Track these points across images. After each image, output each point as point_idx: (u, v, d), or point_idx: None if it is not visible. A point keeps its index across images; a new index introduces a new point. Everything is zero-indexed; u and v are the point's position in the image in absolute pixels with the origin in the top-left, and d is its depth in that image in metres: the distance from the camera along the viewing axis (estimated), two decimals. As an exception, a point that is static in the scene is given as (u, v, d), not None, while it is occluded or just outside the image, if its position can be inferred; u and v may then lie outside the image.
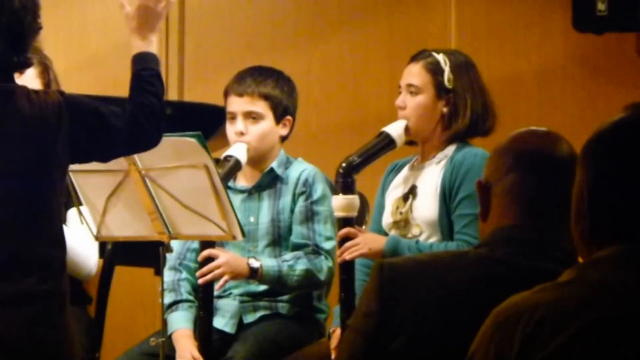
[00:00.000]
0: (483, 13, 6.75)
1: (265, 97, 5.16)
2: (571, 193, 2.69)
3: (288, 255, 5.10)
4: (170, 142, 4.59)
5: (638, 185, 2.16)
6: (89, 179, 4.69)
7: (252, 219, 5.16)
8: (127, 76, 6.48)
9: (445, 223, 4.76)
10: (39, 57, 5.23)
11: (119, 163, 4.58)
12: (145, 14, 4.17)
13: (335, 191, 4.75)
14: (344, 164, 4.71)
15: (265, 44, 6.64)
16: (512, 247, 2.81)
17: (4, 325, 3.82)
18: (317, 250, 5.12)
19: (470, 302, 2.72)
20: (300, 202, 5.17)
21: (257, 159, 5.18)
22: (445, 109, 4.86)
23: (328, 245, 5.10)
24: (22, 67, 3.98)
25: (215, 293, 5.03)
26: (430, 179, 4.85)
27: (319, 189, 5.17)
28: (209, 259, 4.91)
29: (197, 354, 4.92)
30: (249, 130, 5.14)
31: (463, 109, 4.85)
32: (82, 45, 6.54)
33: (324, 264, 5.11)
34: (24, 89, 3.93)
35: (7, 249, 3.84)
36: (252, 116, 5.16)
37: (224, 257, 4.93)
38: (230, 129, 5.18)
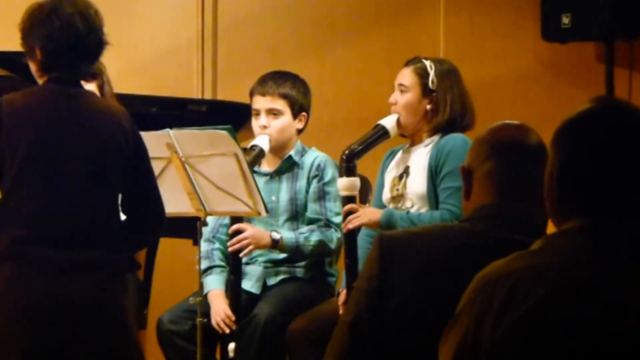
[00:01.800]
0: (466, 25, 6.72)
1: (284, 97, 5.17)
2: (540, 175, 2.70)
3: (304, 229, 5.11)
4: (205, 134, 4.60)
5: (599, 165, 2.14)
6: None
7: (273, 198, 5.16)
8: (172, 80, 6.48)
9: (432, 196, 4.78)
10: None
11: (163, 151, 4.59)
12: None
13: (340, 174, 4.76)
14: (346, 152, 4.73)
15: (286, 52, 6.62)
16: (489, 222, 2.81)
17: (79, 287, 3.84)
18: (328, 224, 5.13)
19: (454, 268, 2.71)
20: (314, 184, 5.18)
21: (278, 148, 5.19)
22: (428, 106, 4.87)
23: (337, 219, 5.10)
24: (92, 77, 3.97)
25: (243, 260, 5.03)
26: (420, 160, 4.86)
27: (330, 173, 5.17)
28: (238, 232, 4.93)
29: (228, 311, 4.92)
30: (270, 124, 5.15)
31: (443, 106, 4.86)
32: (132, 51, 6.53)
33: (334, 235, 5.12)
34: (93, 94, 3.95)
35: (81, 225, 3.86)
36: (273, 112, 5.18)
37: (250, 230, 4.95)
38: (255, 123, 5.19)
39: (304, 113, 5.24)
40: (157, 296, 5.52)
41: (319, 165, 5.20)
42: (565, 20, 6.42)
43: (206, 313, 4.87)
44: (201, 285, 4.96)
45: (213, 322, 4.91)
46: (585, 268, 2.07)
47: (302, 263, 5.19)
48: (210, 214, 4.77)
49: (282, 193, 5.19)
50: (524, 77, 6.74)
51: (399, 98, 4.91)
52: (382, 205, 4.96)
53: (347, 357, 2.81)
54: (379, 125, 4.85)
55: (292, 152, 5.22)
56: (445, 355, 2.14)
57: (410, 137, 4.98)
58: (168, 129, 4.62)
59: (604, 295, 2.04)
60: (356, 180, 4.73)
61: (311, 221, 5.15)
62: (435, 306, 2.65)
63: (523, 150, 2.86)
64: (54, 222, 3.80)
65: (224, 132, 4.58)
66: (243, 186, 4.59)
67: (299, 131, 5.26)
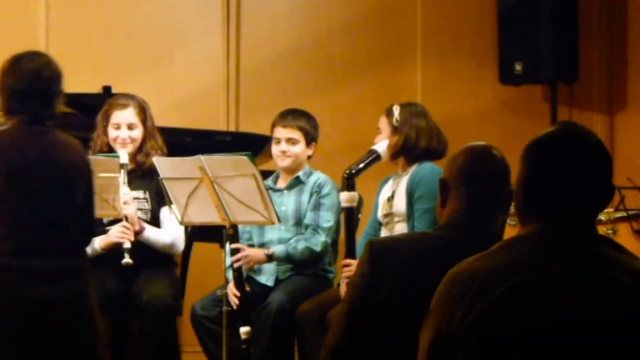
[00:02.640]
0: (438, 72, 6.72)
1: (300, 129, 5.19)
2: (501, 193, 2.74)
3: (292, 239, 5.13)
4: (230, 159, 4.61)
5: (554, 178, 2.12)
6: (176, 184, 4.68)
7: (283, 208, 5.16)
8: (203, 115, 6.47)
9: (410, 214, 4.80)
10: (138, 101, 5.20)
11: (196, 173, 4.58)
12: None
13: (341, 189, 4.75)
14: (347, 171, 4.71)
15: (294, 92, 6.62)
16: (458, 230, 2.84)
17: (57, 293, 3.80)
18: (316, 229, 5.12)
19: (430, 266, 2.69)
20: (314, 197, 5.19)
21: (292, 169, 5.21)
22: (398, 140, 4.88)
23: (327, 225, 5.10)
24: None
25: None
26: (402, 186, 4.88)
27: (327, 189, 5.18)
28: (237, 250, 4.90)
29: (234, 289, 4.86)
30: (289, 150, 5.16)
31: (408, 140, 4.88)
32: (170, 92, 6.53)
33: (319, 239, 5.11)
34: (57, 131, 3.96)
35: (56, 238, 3.84)
36: (292, 141, 5.19)
37: (246, 251, 4.94)
38: (276, 149, 5.20)
39: (314, 143, 5.26)
40: (191, 289, 5.51)
41: (319, 184, 5.21)
42: (518, 67, 6.43)
43: (229, 302, 4.86)
44: (226, 279, 4.95)
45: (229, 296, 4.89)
46: (538, 266, 2.06)
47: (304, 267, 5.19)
48: (234, 223, 4.76)
49: (290, 204, 5.19)
50: (485, 114, 6.74)
51: (377, 139, 4.93)
52: (377, 221, 5.03)
53: (344, 337, 2.82)
54: (372, 150, 4.84)
55: (300, 174, 5.22)
56: (424, 341, 2.13)
57: (395, 163, 4.99)
58: (200, 155, 4.62)
59: (553, 288, 2.02)
60: (355, 194, 4.72)
61: (307, 226, 5.17)
62: (415, 297, 2.64)
63: (490, 177, 2.89)
64: (33, 235, 3.80)
65: (245, 157, 4.58)
66: (260, 201, 4.59)
67: (309, 157, 5.27)
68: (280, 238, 5.16)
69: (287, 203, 5.21)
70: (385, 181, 5.09)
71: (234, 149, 5.02)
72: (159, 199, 5.09)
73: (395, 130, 4.90)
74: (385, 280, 2.78)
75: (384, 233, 4.96)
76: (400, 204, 4.86)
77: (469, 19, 6.76)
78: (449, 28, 6.76)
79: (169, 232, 5.11)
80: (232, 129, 6.51)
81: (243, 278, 4.93)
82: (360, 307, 2.79)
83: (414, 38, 6.71)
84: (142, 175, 5.15)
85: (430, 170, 4.81)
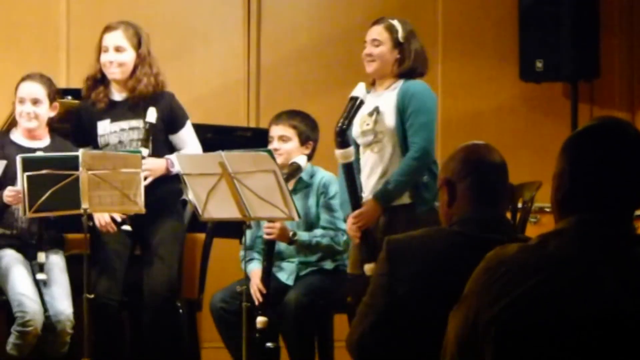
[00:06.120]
0: (459, 69, 6.72)
1: (293, 127, 5.20)
2: (504, 185, 2.76)
3: (318, 232, 5.15)
4: (250, 155, 4.62)
5: (596, 172, 2.10)
6: (196, 180, 4.70)
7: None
8: (224, 112, 6.50)
9: (400, 130, 4.74)
10: (129, 24, 5.12)
11: (216, 169, 4.60)
12: None
13: (336, 147, 4.69)
14: (337, 129, 4.66)
15: (313, 88, 6.64)
16: (472, 226, 2.86)
17: None
18: (337, 230, 5.14)
19: (446, 262, 2.77)
20: (322, 199, 5.20)
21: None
22: (398, 56, 4.87)
23: (343, 225, 5.07)
24: None
25: (282, 258, 5.17)
26: (388, 100, 4.82)
27: (333, 189, 5.18)
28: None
29: (260, 285, 4.92)
30: (281, 147, 5.16)
31: (408, 57, 4.86)
32: (192, 89, 6.55)
33: (341, 239, 5.14)
34: None
35: None
36: (283, 139, 5.18)
37: (279, 224, 4.94)
38: (270, 147, 5.15)
39: (310, 142, 5.22)
40: (211, 283, 5.54)
41: (324, 184, 5.21)
42: (539, 64, 6.43)
43: (249, 297, 4.87)
44: (246, 275, 4.97)
45: (251, 290, 4.92)
46: (569, 262, 2.04)
47: (325, 262, 5.21)
48: (254, 219, 4.78)
49: (299, 205, 5.17)
50: (505, 111, 6.73)
51: (373, 50, 4.87)
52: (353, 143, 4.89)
53: (368, 333, 2.86)
54: (353, 97, 4.73)
55: (302, 174, 5.18)
56: (454, 326, 2.12)
57: (378, 80, 4.92)
58: (220, 151, 4.63)
59: (582, 285, 2.01)
60: (351, 150, 4.69)
61: (324, 228, 5.16)
62: (432, 292, 2.72)
63: (493, 167, 2.94)
64: None
65: (265, 153, 4.60)
66: (280, 197, 4.59)
67: (309, 157, 5.23)
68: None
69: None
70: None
71: (254, 145, 5.05)
72: (164, 125, 5.08)
73: (397, 45, 4.87)
74: (404, 278, 2.81)
75: (367, 156, 4.84)
76: (388, 120, 4.79)
77: (490, 16, 6.76)
78: (470, 25, 6.76)
79: (194, 151, 5.15)
80: (252, 125, 6.53)
81: (274, 254, 4.96)
82: (381, 302, 2.83)
83: (434, 35, 6.70)
84: (137, 103, 5.08)
85: (421, 85, 4.83)
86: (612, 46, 6.61)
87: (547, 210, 6.15)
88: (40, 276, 4.89)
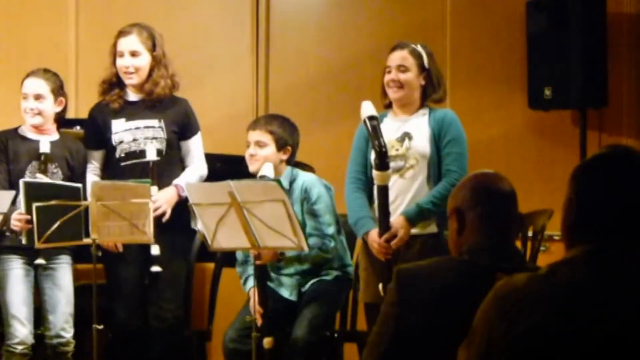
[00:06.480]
0: (468, 97, 6.74)
1: (270, 132, 5.12)
2: (514, 214, 2.75)
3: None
4: (259, 184, 4.61)
5: (605, 200, 2.12)
6: (205, 210, 4.69)
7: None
8: (232, 141, 6.50)
9: (435, 155, 4.78)
10: (143, 27, 5.12)
11: (225, 198, 4.58)
12: None
13: (375, 168, 4.59)
14: (378, 150, 4.55)
15: (322, 116, 6.66)
16: (481, 255, 2.87)
17: None
18: (323, 237, 5.09)
19: (456, 292, 2.77)
20: (305, 205, 5.13)
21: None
22: (423, 82, 4.89)
23: (330, 230, 5.08)
24: None
25: (280, 272, 5.16)
26: (420, 126, 4.84)
27: (315, 193, 5.13)
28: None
29: (259, 308, 4.82)
30: (257, 153, 5.12)
31: (436, 82, 4.91)
32: (201, 118, 6.55)
33: (329, 246, 5.10)
34: None
35: None
36: (260, 144, 5.13)
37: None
38: (246, 153, 5.15)
39: (288, 147, 5.16)
40: (220, 307, 5.54)
41: (305, 189, 5.14)
42: (547, 92, 6.43)
43: (258, 328, 4.83)
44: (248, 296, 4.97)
45: (251, 311, 4.86)
46: (584, 291, 2.04)
47: (325, 270, 5.18)
48: (264, 249, 4.76)
49: None
50: (514, 139, 6.74)
51: (400, 76, 4.87)
52: (362, 171, 4.88)
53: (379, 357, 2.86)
54: (374, 117, 4.63)
55: (282, 180, 5.01)
56: (464, 358, 2.12)
57: (401, 106, 4.92)
58: (229, 180, 4.63)
59: (591, 314, 2.02)
60: (388, 173, 4.61)
61: (311, 235, 5.07)
62: (442, 321, 2.73)
63: (503, 196, 2.95)
64: None
65: (274, 183, 4.59)
66: (289, 226, 4.56)
67: (288, 162, 5.18)
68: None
69: None
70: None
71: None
72: (178, 129, 5.10)
73: (423, 70, 4.88)
74: (414, 307, 2.81)
75: (394, 181, 4.78)
76: (423, 146, 4.80)
77: (499, 44, 6.77)
78: (479, 53, 6.77)
79: (197, 169, 5.17)
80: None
81: (267, 279, 4.93)
82: (392, 331, 2.83)
83: (443, 63, 6.69)
84: (153, 104, 5.11)
85: (454, 114, 4.88)
86: (621, 74, 6.61)
87: (556, 238, 6.14)
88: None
